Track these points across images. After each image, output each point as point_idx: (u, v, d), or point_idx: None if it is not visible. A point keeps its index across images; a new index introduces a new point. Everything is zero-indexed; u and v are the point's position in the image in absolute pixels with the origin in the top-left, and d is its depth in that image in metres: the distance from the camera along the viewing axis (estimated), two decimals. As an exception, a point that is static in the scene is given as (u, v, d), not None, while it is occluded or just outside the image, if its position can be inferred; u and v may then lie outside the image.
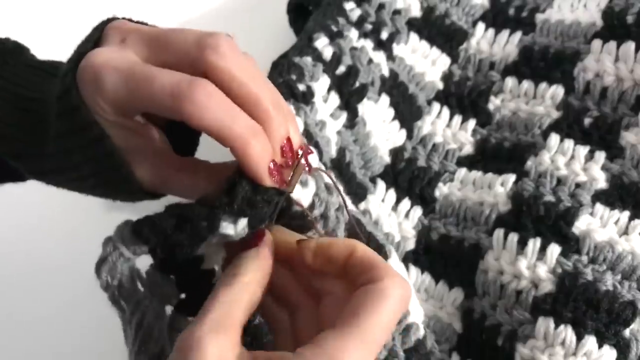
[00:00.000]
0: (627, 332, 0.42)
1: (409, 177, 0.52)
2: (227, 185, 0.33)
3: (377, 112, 0.53)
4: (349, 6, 0.56)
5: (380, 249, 0.42)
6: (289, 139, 0.33)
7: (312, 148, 0.39)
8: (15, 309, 0.55)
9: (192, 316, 0.34)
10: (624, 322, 0.42)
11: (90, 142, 0.34)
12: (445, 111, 0.56)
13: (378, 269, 0.29)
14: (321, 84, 0.48)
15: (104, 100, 0.33)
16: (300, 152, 0.34)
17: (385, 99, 0.54)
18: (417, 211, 0.51)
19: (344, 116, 0.50)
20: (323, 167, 0.39)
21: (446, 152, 0.54)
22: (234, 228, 0.33)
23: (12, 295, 0.56)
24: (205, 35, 0.32)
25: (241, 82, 0.32)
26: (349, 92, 0.50)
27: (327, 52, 0.51)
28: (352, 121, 0.50)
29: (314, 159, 0.38)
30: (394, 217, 0.52)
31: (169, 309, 0.36)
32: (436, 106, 0.56)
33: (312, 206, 0.36)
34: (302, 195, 0.35)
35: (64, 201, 0.47)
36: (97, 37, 0.35)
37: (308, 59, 0.49)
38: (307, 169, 0.35)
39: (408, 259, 0.51)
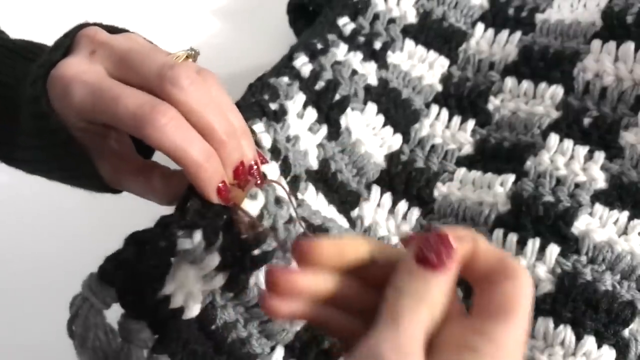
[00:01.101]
0: (626, 332, 0.43)
1: (405, 179, 0.52)
2: (179, 202, 0.35)
3: (364, 121, 0.53)
4: (342, 22, 0.58)
5: None
6: (242, 162, 0.36)
7: (273, 162, 0.42)
8: (15, 309, 0.55)
9: (169, 354, 0.36)
10: (623, 322, 0.42)
11: (58, 144, 0.37)
12: (444, 112, 0.56)
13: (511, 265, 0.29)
14: (296, 101, 0.50)
15: (71, 110, 0.35)
16: (255, 166, 0.37)
17: (372, 107, 0.54)
18: (415, 212, 0.51)
19: (324, 129, 0.51)
20: (282, 180, 0.41)
21: (445, 153, 0.54)
22: (191, 242, 0.35)
23: (12, 295, 0.56)
24: (166, 66, 0.34)
25: (197, 113, 0.34)
26: (329, 106, 0.52)
27: (305, 70, 0.52)
28: (336, 133, 0.52)
29: (273, 170, 0.40)
30: (392, 221, 0.52)
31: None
32: (435, 108, 0.56)
33: (260, 218, 0.38)
34: (251, 207, 0.37)
35: (63, 200, 0.47)
36: (67, 45, 0.37)
37: (284, 79, 0.50)
38: (258, 182, 0.38)
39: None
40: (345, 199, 0.52)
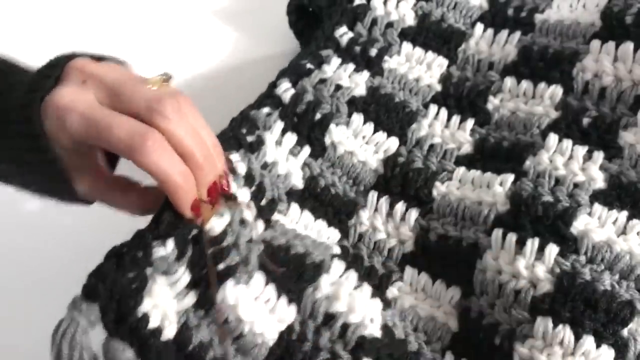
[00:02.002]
0: (625, 332, 0.43)
1: (402, 180, 0.53)
2: (155, 216, 0.40)
3: (351, 132, 0.54)
4: (340, 32, 0.59)
5: (318, 268, 0.45)
6: (214, 183, 0.41)
7: (245, 187, 0.46)
8: (14, 309, 0.55)
9: None
10: (622, 321, 0.42)
11: (42, 163, 0.40)
12: (443, 112, 0.56)
13: None
14: (274, 131, 0.52)
15: (64, 134, 0.38)
16: (224, 181, 0.42)
17: (358, 117, 0.55)
18: (413, 213, 0.52)
19: (306, 149, 0.53)
20: (252, 204, 0.45)
21: (444, 152, 0.54)
22: (165, 249, 0.39)
23: (11, 295, 0.56)
24: (154, 100, 0.39)
25: (180, 140, 0.39)
26: (309, 127, 0.53)
27: (286, 96, 0.54)
28: (321, 150, 0.53)
29: (244, 195, 0.45)
30: (391, 223, 0.52)
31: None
32: (433, 108, 0.56)
33: (224, 234, 0.42)
34: (217, 224, 0.42)
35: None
36: (58, 74, 0.40)
37: (264, 110, 0.52)
38: (226, 188, 0.43)
39: (406, 260, 0.51)
40: (340, 210, 0.52)
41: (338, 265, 0.47)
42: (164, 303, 0.40)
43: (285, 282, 0.44)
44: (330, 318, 0.44)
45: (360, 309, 0.45)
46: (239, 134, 0.49)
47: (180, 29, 0.70)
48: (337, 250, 0.50)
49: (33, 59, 0.67)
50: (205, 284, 0.41)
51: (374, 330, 0.44)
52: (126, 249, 0.39)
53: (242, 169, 0.47)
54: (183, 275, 0.41)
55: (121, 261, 0.38)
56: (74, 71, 0.40)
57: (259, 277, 0.43)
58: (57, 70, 0.40)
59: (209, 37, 0.70)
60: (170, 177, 0.38)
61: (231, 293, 0.41)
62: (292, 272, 0.45)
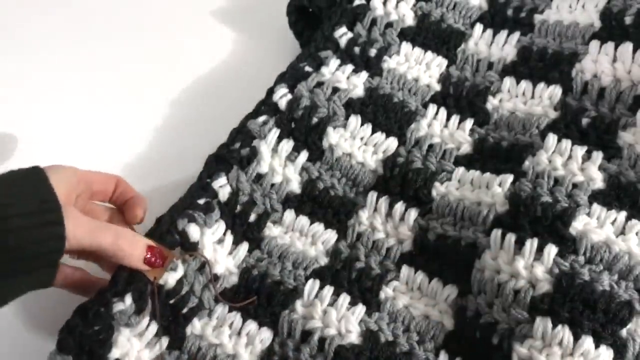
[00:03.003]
0: (624, 332, 0.43)
1: (402, 180, 0.53)
2: (113, 275, 0.46)
3: (348, 134, 0.55)
4: (339, 33, 0.59)
5: (292, 293, 0.49)
6: (152, 248, 0.47)
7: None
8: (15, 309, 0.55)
9: None
10: (621, 321, 0.42)
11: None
12: (442, 112, 0.56)
13: None
14: (269, 139, 0.53)
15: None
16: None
17: (355, 119, 0.55)
18: (413, 213, 0.52)
19: (304, 154, 0.54)
20: (206, 256, 0.49)
21: (444, 152, 0.54)
22: (123, 304, 0.45)
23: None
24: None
25: None
26: (307, 131, 0.54)
27: (283, 102, 0.55)
28: (318, 153, 0.54)
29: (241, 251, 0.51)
30: (390, 222, 0.52)
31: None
32: (432, 108, 0.56)
33: (180, 284, 0.47)
34: (171, 278, 0.47)
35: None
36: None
37: (260, 119, 0.54)
38: (181, 253, 0.48)
39: (403, 260, 0.51)
40: (339, 210, 0.53)
41: (313, 286, 0.49)
42: (134, 352, 0.45)
43: (254, 309, 0.48)
44: (307, 334, 0.47)
45: (335, 322, 0.47)
46: (228, 153, 0.52)
47: (180, 29, 0.70)
48: (322, 261, 0.51)
49: (33, 58, 0.67)
50: (175, 329, 0.47)
51: (352, 339, 0.47)
52: (90, 305, 0.44)
53: (224, 194, 0.51)
54: (150, 326, 0.46)
55: (86, 316, 0.44)
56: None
57: (220, 309, 0.48)
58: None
59: (208, 37, 0.70)
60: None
61: (196, 327, 0.47)
62: (264, 300, 0.49)
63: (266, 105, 0.55)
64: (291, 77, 0.56)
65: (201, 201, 0.50)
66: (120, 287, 0.45)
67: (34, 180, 0.43)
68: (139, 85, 0.65)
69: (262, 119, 0.54)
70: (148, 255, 0.46)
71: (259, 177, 0.53)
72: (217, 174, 0.51)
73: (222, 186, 0.51)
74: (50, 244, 0.41)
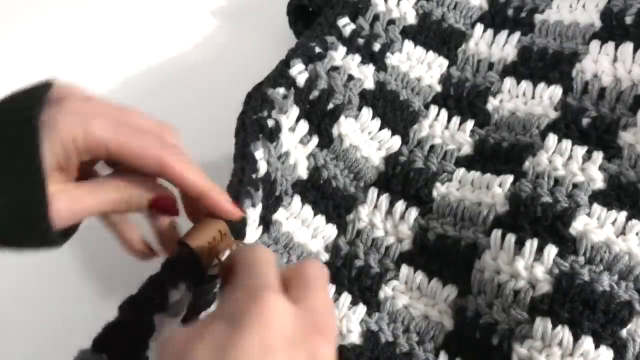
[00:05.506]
0: (624, 332, 0.43)
1: (403, 179, 0.53)
2: (167, 263, 0.40)
3: (358, 126, 0.54)
4: (342, 22, 0.58)
5: None
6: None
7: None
8: (14, 309, 0.55)
9: None
10: (621, 322, 0.42)
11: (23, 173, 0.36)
12: (444, 113, 0.56)
13: None
14: (290, 116, 0.51)
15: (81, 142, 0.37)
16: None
17: (367, 112, 0.55)
18: (413, 212, 0.52)
19: (314, 139, 0.53)
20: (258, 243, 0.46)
21: (444, 153, 0.54)
22: (178, 292, 0.39)
23: (11, 295, 0.56)
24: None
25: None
26: (321, 115, 0.53)
27: (301, 79, 0.53)
28: (328, 141, 0.53)
29: (254, 235, 0.47)
30: (390, 221, 0.52)
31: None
32: (434, 109, 0.56)
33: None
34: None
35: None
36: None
37: (280, 90, 0.51)
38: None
39: (403, 259, 0.51)
40: (340, 204, 0.53)
41: None
42: None
43: None
44: None
45: (337, 322, 0.47)
46: (260, 118, 0.49)
47: (179, 29, 0.70)
48: (323, 257, 0.51)
49: (32, 58, 0.68)
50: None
51: (353, 339, 0.47)
52: (142, 297, 0.38)
53: (263, 168, 0.47)
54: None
55: (133, 307, 0.38)
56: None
57: None
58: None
59: (208, 37, 0.70)
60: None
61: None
62: None
63: (283, 78, 0.52)
64: (304, 54, 0.54)
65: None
66: (177, 276, 0.39)
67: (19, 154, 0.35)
68: (139, 85, 0.65)
69: (281, 91, 0.52)
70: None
71: (280, 156, 0.50)
72: (254, 142, 0.48)
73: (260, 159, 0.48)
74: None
